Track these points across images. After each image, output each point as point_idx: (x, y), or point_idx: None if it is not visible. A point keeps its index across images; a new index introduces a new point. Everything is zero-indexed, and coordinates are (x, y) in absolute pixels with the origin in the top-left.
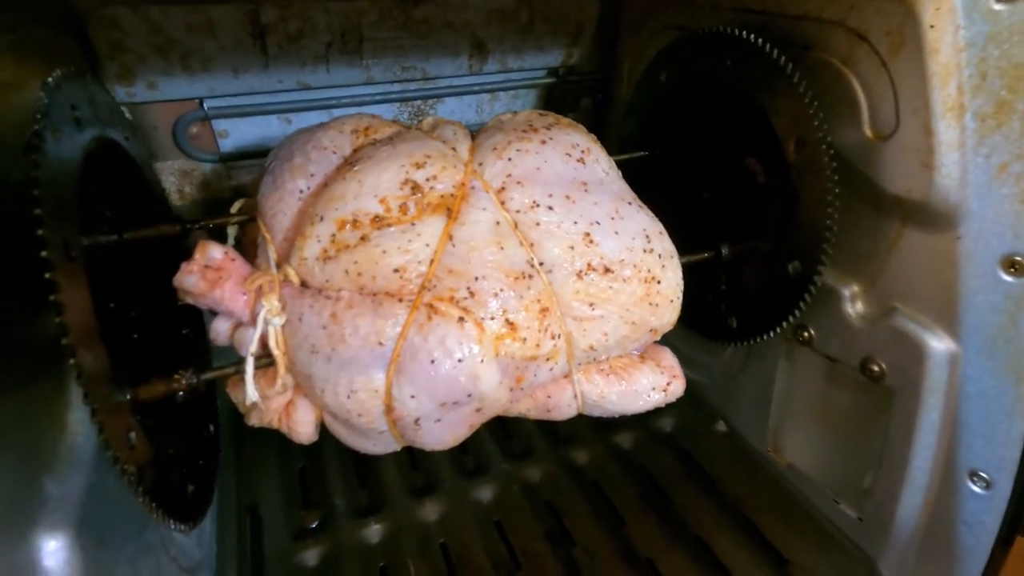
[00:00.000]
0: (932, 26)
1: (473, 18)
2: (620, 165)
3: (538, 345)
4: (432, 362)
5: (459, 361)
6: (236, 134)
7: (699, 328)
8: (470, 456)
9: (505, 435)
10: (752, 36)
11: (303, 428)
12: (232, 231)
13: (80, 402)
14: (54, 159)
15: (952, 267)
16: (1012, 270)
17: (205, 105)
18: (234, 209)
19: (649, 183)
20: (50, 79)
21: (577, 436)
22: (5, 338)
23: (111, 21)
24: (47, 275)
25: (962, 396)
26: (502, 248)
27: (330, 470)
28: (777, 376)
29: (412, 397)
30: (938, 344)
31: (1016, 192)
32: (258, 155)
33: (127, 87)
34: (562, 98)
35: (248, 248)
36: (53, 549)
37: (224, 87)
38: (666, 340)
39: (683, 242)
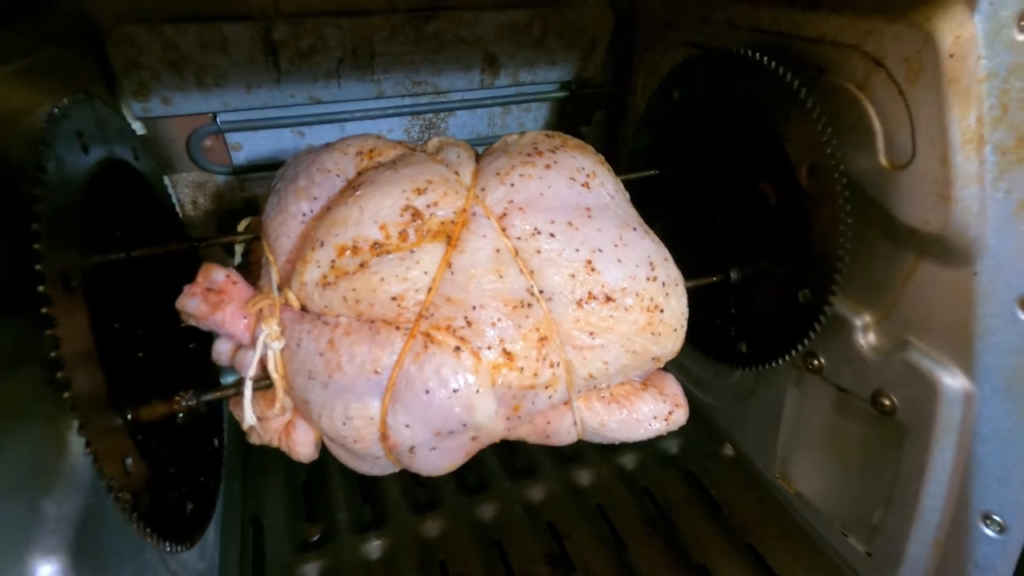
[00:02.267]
0: (952, 55)
1: (485, 33)
2: (631, 182)
3: (536, 374)
4: (427, 392)
5: (454, 391)
6: (249, 147)
7: (708, 351)
8: (472, 473)
9: (509, 453)
10: (766, 58)
11: (303, 449)
12: (239, 248)
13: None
14: (56, 190)
15: (969, 304)
16: None
17: (219, 119)
18: (241, 227)
19: (660, 201)
20: (55, 108)
21: (581, 456)
22: (7, 360)
23: (127, 39)
24: (44, 310)
25: (977, 436)
26: (501, 276)
27: (334, 484)
28: (786, 403)
29: (407, 426)
30: (952, 382)
31: None
32: (270, 167)
33: (143, 103)
34: (575, 111)
35: (254, 266)
36: (49, 572)
37: (237, 102)
38: (675, 360)
39: (692, 262)
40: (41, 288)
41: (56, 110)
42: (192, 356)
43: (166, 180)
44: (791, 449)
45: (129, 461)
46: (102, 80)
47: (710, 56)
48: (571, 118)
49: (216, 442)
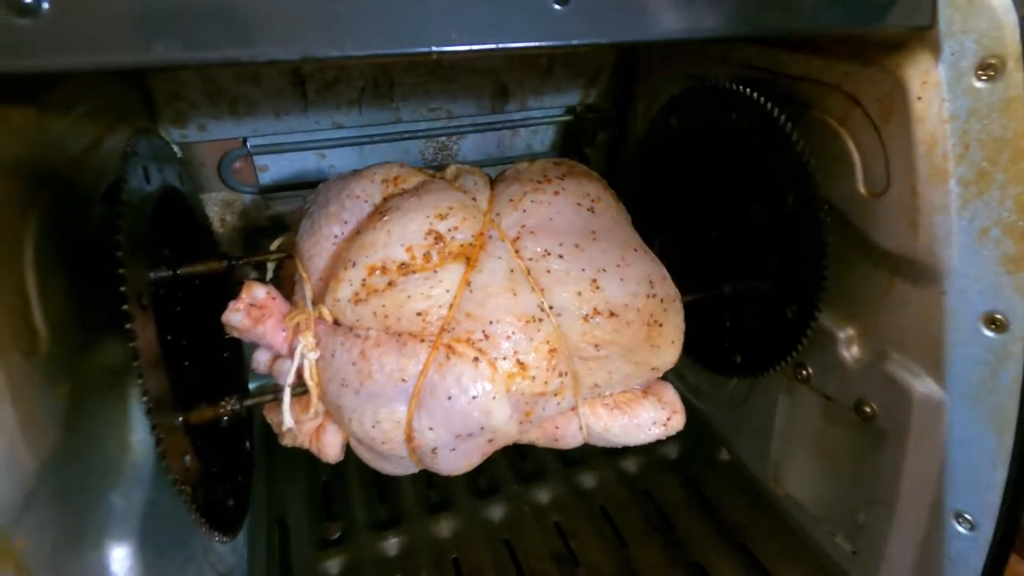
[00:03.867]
0: (919, 98)
1: (496, 64)
2: (631, 201)
3: (546, 383)
4: (449, 398)
5: (473, 398)
6: (275, 168)
7: (704, 362)
8: (484, 476)
9: (518, 457)
10: (755, 93)
11: (331, 450)
12: (271, 265)
13: (141, 425)
14: (132, 218)
15: (938, 320)
16: (993, 326)
17: (248, 144)
18: (274, 246)
19: (659, 219)
20: (127, 146)
21: (586, 460)
22: (83, 369)
23: (171, 73)
24: (128, 326)
25: (948, 441)
26: (515, 294)
27: (352, 485)
28: (778, 410)
29: (430, 429)
30: (925, 391)
31: (996, 255)
32: (294, 187)
33: (180, 129)
34: (580, 133)
35: (285, 282)
36: (120, 556)
37: (266, 128)
38: (674, 370)
39: (689, 277)
40: (125, 307)
41: (128, 147)
42: (225, 365)
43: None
44: (782, 454)
45: (188, 458)
46: (145, 110)
47: (705, 88)
48: (576, 139)
49: (248, 444)
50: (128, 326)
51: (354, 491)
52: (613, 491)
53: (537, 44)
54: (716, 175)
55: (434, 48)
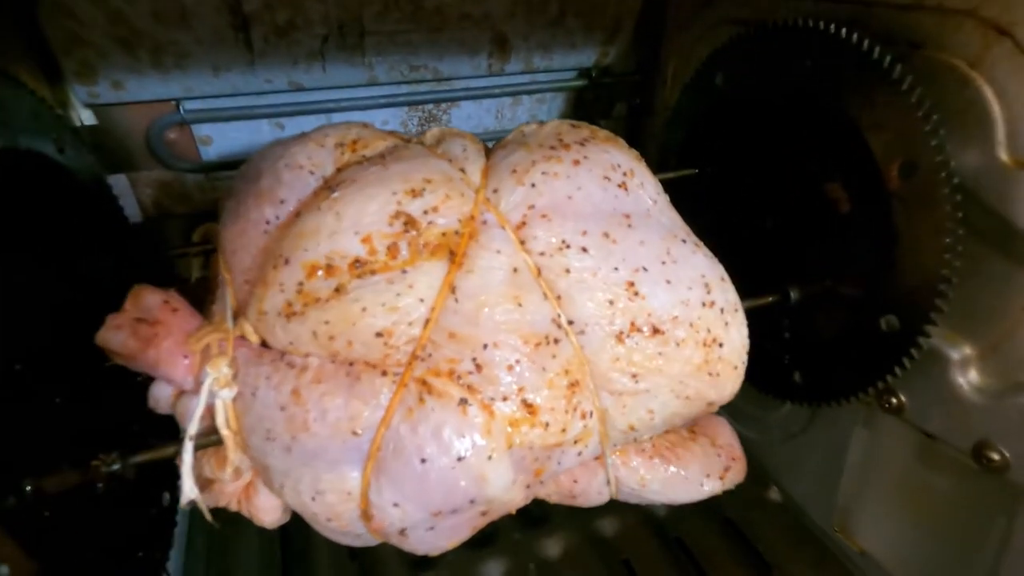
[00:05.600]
0: None
1: (494, 9)
2: (664, 184)
3: (564, 430)
4: (423, 461)
5: (459, 460)
6: (221, 141)
7: (753, 381)
8: None
9: None
10: (843, 30)
11: (267, 516)
12: (197, 263)
13: None
14: None
15: None
16: None
17: (182, 108)
18: (196, 237)
19: (699, 205)
20: None
21: None
22: None
23: (63, 9)
24: None
25: None
26: (520, 304)
27: (317, 536)
28: (851, 445)
29: (395, 505)
30: None
31: None
32: None
33: (88, 86)
34: (593, 102)
35: (212, 284)
36: None
37: (203, 87)
38: None
39: (740, 278)
40: None
41: None
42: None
43: (124, 179)
44: (855, 499)
45: (5, 570)
46: (35, 59)
47: (763, 33)
48: (589, 110)
49: (167, 498)
50: None
51: (318, 546)
52: (638, 540)
53: None
54: (777, 146)
55: None
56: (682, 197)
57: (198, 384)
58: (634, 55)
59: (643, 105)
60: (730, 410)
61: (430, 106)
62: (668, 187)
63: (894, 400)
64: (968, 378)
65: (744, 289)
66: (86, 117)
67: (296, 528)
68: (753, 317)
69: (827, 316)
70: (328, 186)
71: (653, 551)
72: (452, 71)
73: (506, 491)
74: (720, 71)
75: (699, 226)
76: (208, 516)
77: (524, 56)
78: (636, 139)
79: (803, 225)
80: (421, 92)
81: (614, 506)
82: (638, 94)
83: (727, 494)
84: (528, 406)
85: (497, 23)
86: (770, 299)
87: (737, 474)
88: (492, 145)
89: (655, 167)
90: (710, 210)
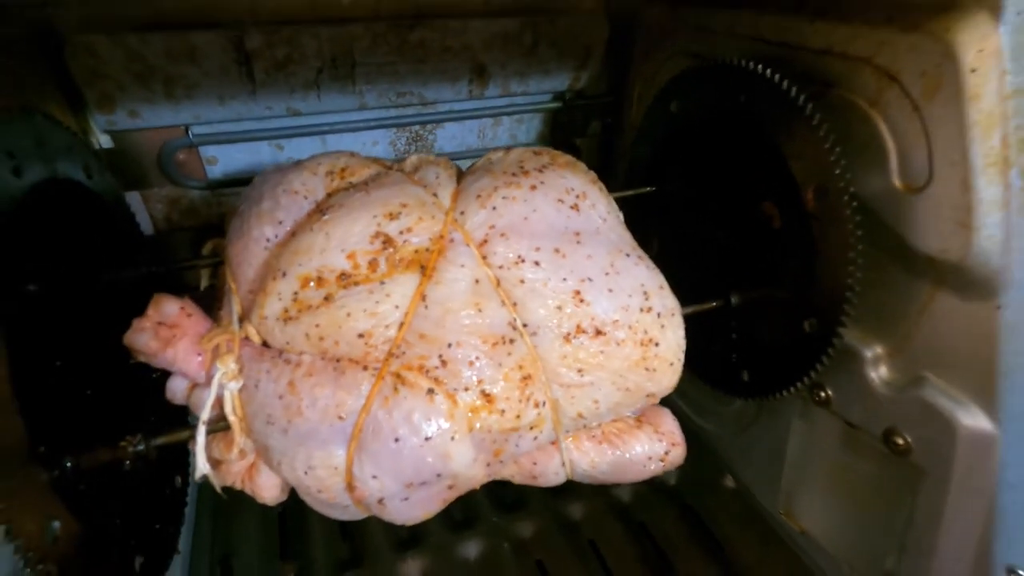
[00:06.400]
0: (974, 69)
1: (473, 41)
2: (626, 199)
3: (519, 416)
4: (397, 440)
5: (427, 439)
6: (225, 160)
7: (708, 379)
8: (458, 506)
9: (497, 483)
10: (768, 71)
11: (267, 492)
12: (206, 273)
13: None
14: None
15: (991, 340)
16: None
17: (191, 132)
18: (205, 250)
19: (657, 219)
20: None
21: (574, 487)
22: None
23: (87, 49)
24: None
25: (1001, 484)
26: (480, 310)
27: (311, 518)
28: (791, 435)
29: (374, 477)
30: (973, 423)
31: None
32: (248, 182)
33: (108, 115)
34: (569, 122)
35: (220, 293)
36: None
37: (210, 114)
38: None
39: (691, 285)
40: None
41: None
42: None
43: (138, 196)
44: (796, 484)
45: (57, 525)
46: (62, 92)
47: (710, 67)
48: (565, 129)
49: (178, 480)
50: None
51: (313, 525)
52: (604, 523)
53: None
54: (723, 168)
55: None
56: (644, 212)
57: (209, 378)
58: (606, 78)
59: (614, 124)
60: (692, 406)
61: (416, 127)
62: (630, 202)
63: (823, 394)
64: (879, 373)
65: (694, 294)
66: (104, 141)
67: (293, 510)
68: (703, 321)
69: (764, 319)
70: (320, 209)
71: (618, 534)
72: (436, 96)
73: (468, 467)
74: (674, 99)
75: (659, 238)
76: (218, 489)
77: (502, 82)
78: (608, 155)
79: (744, 238)
80: (408, 115)
81: (583, 493)
82: (610, 113)
83: (687, 482)
84: (486, 395)
85: (476, 54)
86: (714, 304)
87: (677, 457)
88: (468, 167)
89: (623, 181)
90: (667, 223)
